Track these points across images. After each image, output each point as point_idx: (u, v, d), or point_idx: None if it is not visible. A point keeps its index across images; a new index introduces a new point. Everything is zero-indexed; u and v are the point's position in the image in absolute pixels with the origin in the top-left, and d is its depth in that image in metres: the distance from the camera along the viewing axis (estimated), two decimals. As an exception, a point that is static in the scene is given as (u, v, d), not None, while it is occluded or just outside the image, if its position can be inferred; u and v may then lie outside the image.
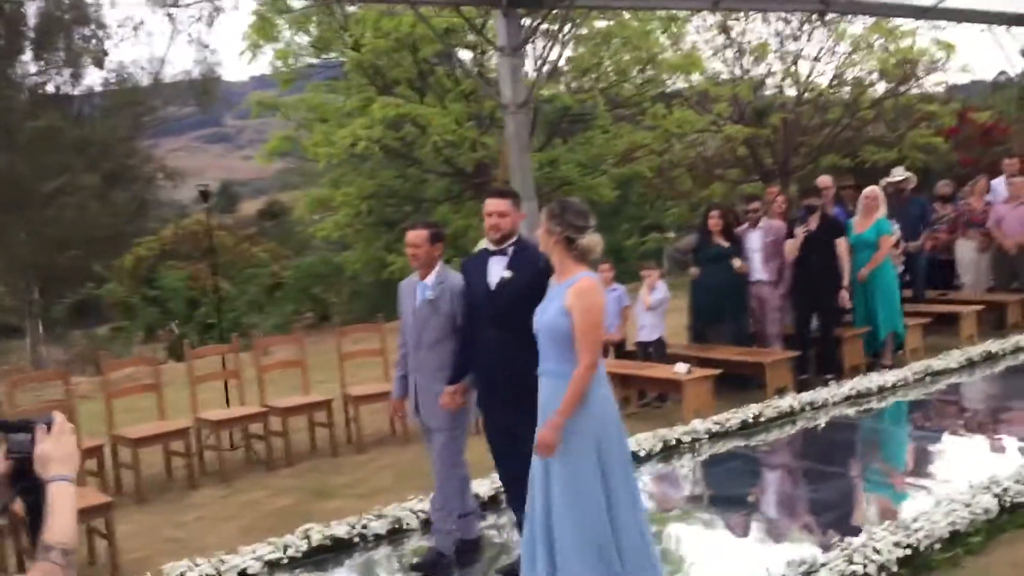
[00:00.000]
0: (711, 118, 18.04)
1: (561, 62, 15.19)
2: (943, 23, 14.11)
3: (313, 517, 5.87)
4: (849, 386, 7.89)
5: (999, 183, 11.27)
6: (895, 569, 4.41)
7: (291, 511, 6.35)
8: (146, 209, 31.56)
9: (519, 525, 4.45)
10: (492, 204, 4.50)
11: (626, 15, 16.13)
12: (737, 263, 8.57)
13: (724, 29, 19.82)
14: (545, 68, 11.26)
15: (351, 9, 15.55)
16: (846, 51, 19.84)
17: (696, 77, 18.97)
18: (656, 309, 8.47)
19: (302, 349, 8.10)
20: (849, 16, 15.33)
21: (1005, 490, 5.11)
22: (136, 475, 6.79)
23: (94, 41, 27.47)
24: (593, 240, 3.92)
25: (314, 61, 17.17)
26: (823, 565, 4.36)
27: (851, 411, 7.57)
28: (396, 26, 14.40)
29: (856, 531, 4.97)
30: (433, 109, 14.75)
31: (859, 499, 5.93)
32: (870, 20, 18.00)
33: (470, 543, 5.28)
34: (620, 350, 8.81)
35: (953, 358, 8.63)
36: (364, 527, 5.49)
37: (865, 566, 4.37)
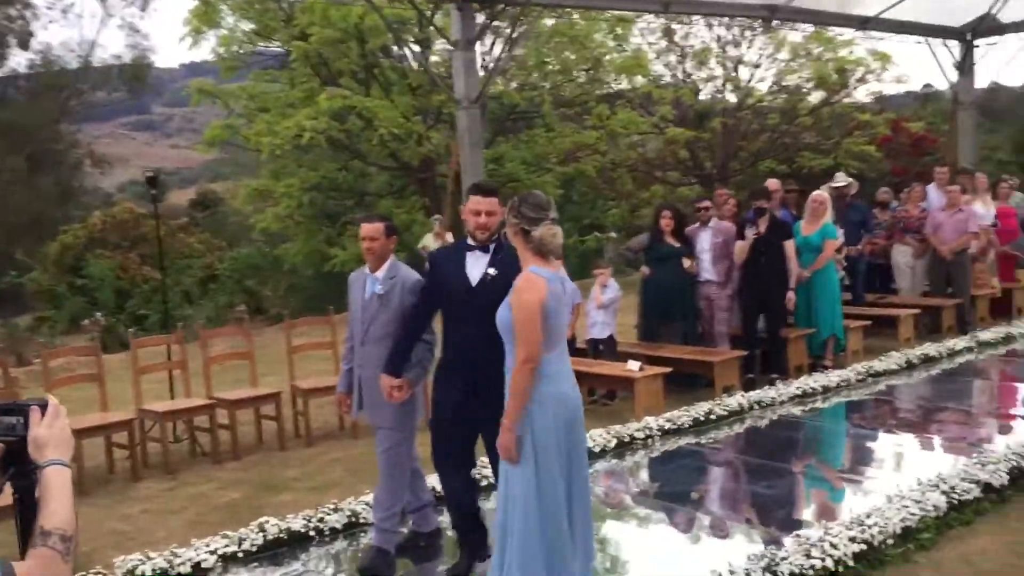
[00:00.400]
0: (655, 120, 18.23)
1: (509, 60, 15.19)
2: (881, 34, 14.43)
3: (265, 510, 5.77)
4: (796, 386, 8.04)
5: (932, 190, 11.61)
6: (851, 563, 4.50)
7: (241, 504, 6.24)
8: (71, 196, 30.74)
9: None
10: (481, 203, 4.36)
11: (575, 15, 16.20)
12: (687, 263, 8.66)
13: (668, 33, 20.08)
14: (497, 64, 11.23)
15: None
16: (785, 59, 20.26)
17: (639, 80, 19.19)
18: (608, 307, 8.51)
19: (249, 341, 7.95)
20: (790, 24, 15.59)
21: (952, 488, 5.25)
22: (78, 467, 6.59)
23: (20, 21, 26.66)
24: (547, 232, 3.83)
25: (258, 49, 16.85)
26: (783, 559, 4.42)
27: (797, 410, 7.71)
28: (344, 16, 14.23)
29: (810, 526, 5.09)
30: (380, 102, 14.61)
31: (811, 495, 6.04)
32: (809, 29, 18.40)
33: (428, 535, 5.25)
34: (571, 347, 8.81)
35: (893, 360, 8.85)
36: (320, 520, 5.41)
37: (823, 560, 4.46)
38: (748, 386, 8.33)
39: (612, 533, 5.34)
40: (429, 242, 13.54)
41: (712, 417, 7.34)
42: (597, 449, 6.51)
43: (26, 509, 2.03)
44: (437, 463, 4.64)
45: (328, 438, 7.81)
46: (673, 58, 20.59)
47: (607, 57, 17.32)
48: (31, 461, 2.02)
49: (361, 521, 5.48)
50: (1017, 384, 8.66)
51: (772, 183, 9.61)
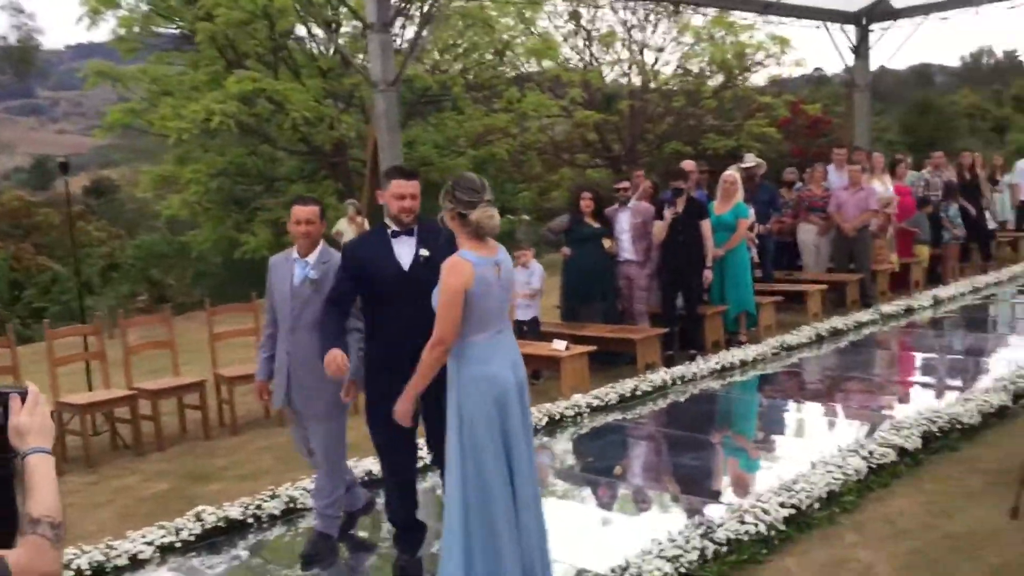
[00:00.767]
0: (564, 103, 18.39)
1: (425, 42, 15.10)
2: (781, 19, 14.85)
3: (196, 500, 5.70)
4: (715, 360, 8.30)
5: (833, 170, 12.05)
6: (782, 527, 4.70)
7: (170, 495, 6.14)
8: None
9: None
10: (406, 186, 4.33)
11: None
12: (607, 243, 8.82)
13: (575, 16, 20.26)
14: (414, 47, 11.16)
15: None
16: (689, 42, 20.65)
17: (547, 63, 19.32)
18: (531, 288, 8.60)
19: (170, 330, 7.79)
20: (695, 8, 15.92)
21: (871, 452, 5.52)
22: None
23: None
24: (483, 215, 3.84)
25: (162, 30, 16.32)
26: (719, 526, 4.59)
27: (717, 384, 7.97)
28: (251, -4, 13.93)
29: (740, 494, 5.28)
30: (291, 85, 14.36)
31: (738, 465, 6.26)
32: (711, 14, 18.82)
33: (363, 510, 5.30)
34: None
35: (804, 334, 9.21)
36: (258, 508, 5.37)
37: (756, 525, 4.64)
38: (668, 362, 8.55)
39: (552, 509, 5.43)
40: (343, 227, 13.43)
41: (638, 393, 7.53)
42: (528, 428, 6.60)
43: (4, 498, 2.00)
44: (383, 456, 4.62)
45: (254, 426, 7.72)
46: (580, 41, 20.80)
47: (517, 40, 17.36)
48: (12, 449, 1.99)
49: (299, 507, 5.47)
50: (919, 353, 9.09)
51: (688, 164, 9.85)
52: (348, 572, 4.99)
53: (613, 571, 4.22)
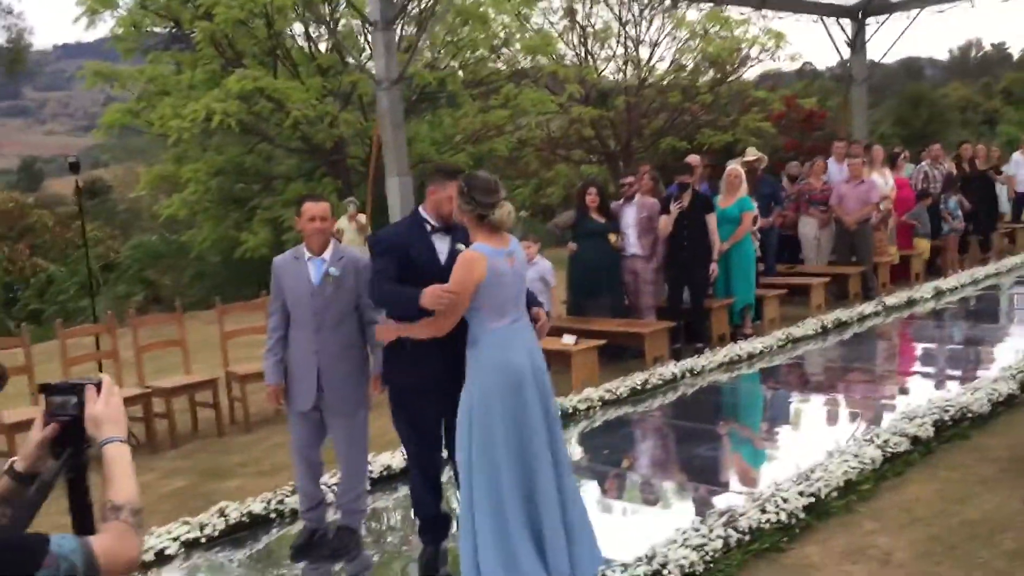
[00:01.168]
0: (562, 99, 18.41)
1: (426, 39, 15.13)
2: (778, 13, 14.94)
3: (214, 497, 5.74)
4: (723, 353, 8.36)
5: (833, 164, 12.14)
6: (802, 516, 4.76)
7: (187, 492, 6.17)
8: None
9: None
10: (453, 187, 4.27)
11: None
12: (613, 238, 8.87)
13: (570, 13, 20.29)
14: (416, 44, 11.20)
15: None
16: (684, 37, 20.70)
17: (542, 59, 19.33)
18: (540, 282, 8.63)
19: (181, 329, 7.81)
20: (694, 4, 15.99)
21: (886, 442, 5.59)
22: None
23: None
24: (503, 212, 3.99)
25: (157, 30, 16.30)
26: (742, 515, 4.65)
27: (725, 377, 8.03)
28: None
29: (757, 484, 5.34)
30: (291, 83, 14.36)
31: (753, 455, 6.33)
32: (708, 8, 18.88)
33: (325, 533, 5.24)
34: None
35: (809, 326, 9.28)
36: (280, 503, 5.41)
37: (777, 514, 4.70)
38: (675, 356, 8.60)
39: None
40: (343, 224, 13.45)
41: (648, 386, 7.58)
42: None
43: (78, 487, 2.04)
44: (409, 448, 4.66)
45: (266, 424, 7.73)
46: (575, 38, 20.83)
47: (516, 36, 17.39)
48: (87, 439, 2.03)
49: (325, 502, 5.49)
50: (925, 344, 9.17)
51: (693, 159, 9.89)
52: (363, 569, 5.02)
53: (639, 560, 4.27)
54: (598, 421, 7.00)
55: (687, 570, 4.18)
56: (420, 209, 4.48)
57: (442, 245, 4.39)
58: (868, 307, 10.13)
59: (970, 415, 6.13)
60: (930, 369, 8.22)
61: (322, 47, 16.62)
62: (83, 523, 2.04)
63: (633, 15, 20.75)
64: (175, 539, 4.95)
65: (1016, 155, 15.53)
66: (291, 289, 4.81)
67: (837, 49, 15.68)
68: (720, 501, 5.13)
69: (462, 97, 17.03)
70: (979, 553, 4.39)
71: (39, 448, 2.05)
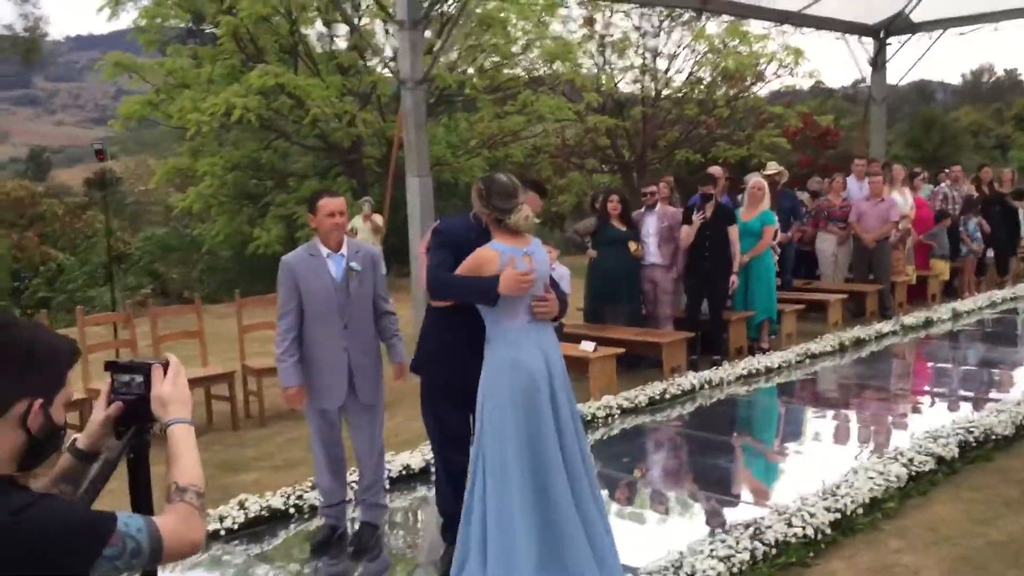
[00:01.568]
0: (580, 107, 18.41)
1: (452, 41, 15.12)
2: (801, 30, 14.91)
3: (231, 490, 5.70)
4: (741, 366, 8.31)
5: (852, 181, 12.11)
6: (827, 531, 4.72)
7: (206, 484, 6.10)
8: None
9: None
10: (537, 203, 4.43)
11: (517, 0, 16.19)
12: (633, 246, 8.84)
13: (588, 22, 20.29)
14: (444, 45, 11.18)
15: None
16: (703, 50, 20.69)
17: (558, 66, 19.32)
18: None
19: (199, 321, 7.78)
20: (714, 17, 15.99)
21: (911, 460, 5.54)
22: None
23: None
24: (519, 217, 4.05)
25: (180, 23, 16.33)
26: (768, 527, 4.60)
27: (743, 389, 7.98)
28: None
29: (784, 496, 5.30)
30: (312, 81, 14.36)
31: (774, 468, 6.28)
32: (728, 22, 18.86)
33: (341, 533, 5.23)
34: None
35: (827, 342, 9.23)
36: (299, 498, 5.37)
37: (804, 528, 4.66)
38: (691, 367, 8.56)
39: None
40: (357, 224, 13.45)
41: (666, 396, 7.54)
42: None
43: (139, 466, 2.02)
44: (437, 447, 4.65)
45: (280, 418, 7.70)
46: (593, 47, 20.83)
47: (536, 43, 17.39)
48: (152, 419, 2.00)
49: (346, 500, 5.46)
50: (945, 364, 9.10)
51: (716, 170, 9.85)
52: (383, 569, 4.98)
53: (665, 569, 4.23)
54: (616, 429, 6.96)
55: (714, 581, 4.14)
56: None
57: None
58: (886, 326, 10.08)
59: (994, 437, 6.08)
60: (947, 390, 8.16)
61: (341, 45, 16.63)
62: (142, 502, 2.02)
63: (652, 26, 20.77)
64: (194, 530, 4.90)
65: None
66: (311, 287, 4.70)
67: (858, 67, 15.65)
68: (743, 513, 5.07)
69: (481, 101, 17.00)
70: (1007, 574, 4.35)
71: (102, 426, 2.02)
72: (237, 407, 7.53)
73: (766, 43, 19.94)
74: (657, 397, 7.48)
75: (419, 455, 5.95)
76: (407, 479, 5.84)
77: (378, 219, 13.65)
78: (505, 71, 17.78)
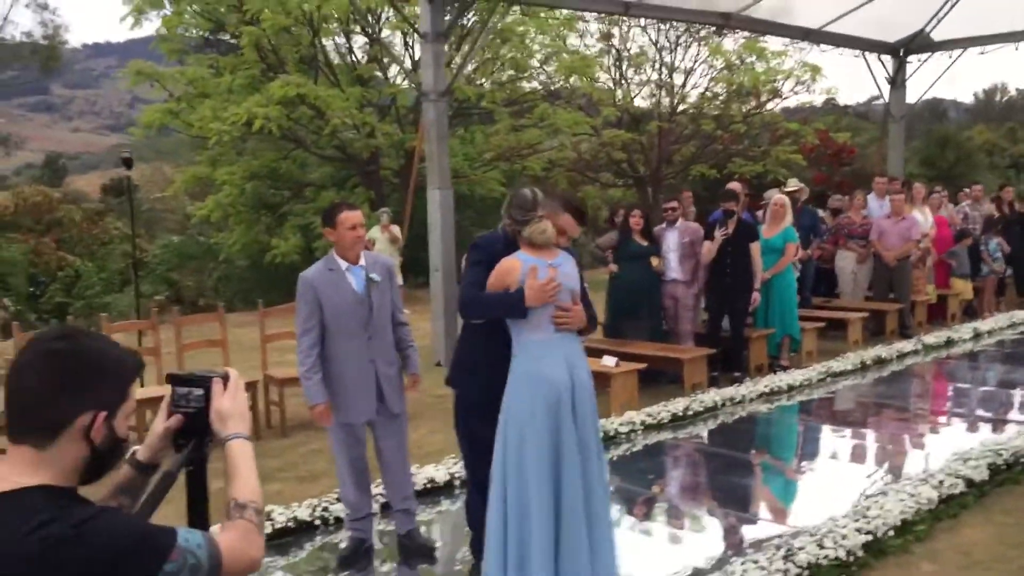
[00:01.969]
0: (597, 122, 18.42)
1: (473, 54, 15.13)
2: (820, 46, 14.88)
3: (255, 500, 5.65)
4: (763, 384, 8.27)
5: (872, 199, 12.06)
6: (860, 554, 4.67)
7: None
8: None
9: None
10: (577, 229, 4.29)
11: (538, 14, 16.21)
12: (655, 262, 8.82)
13: (606, 37, 20.32)
14: (466, 58, 11.20)
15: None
16: (720, 66, 20.69)
17: (574, 80, 19.36)
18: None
19: (223, 329, 7.78)
20: (735, 32, 15.98)
21: (941, 482, 5.49)
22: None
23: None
24: (535, 230, 4.06)
25: (201, 32, 16.41)
26: (800, 549, 4.56)
27: (764, 407, 7.94)
28: (300, 3, 13.97)
29: (812, 517, 5.25)
30: (332, 92, 14.40)
31: (799, 487, 6.23)
32: (742, 40, 18.87)
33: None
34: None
35: (849, 361, 9.18)
36: (325, 510, 5.35)
37: (836, 550, 4.61)
38: (711, 383, 8.52)
39: (625, 524, 5.42)
40: (375, 234, 13.48)
41: (688, 413, 7.51)
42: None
43: (197, 480, 2.00)
44: (468, 459, 4.63)
45: (302, 429, 7.68)
46: (610, 61, 20.86)
47: (554, 57, 17.43)
48: (211, 433, 1.99)
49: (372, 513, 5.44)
50: (967, 385, 9.01)
51: (735, 186, 9.83)
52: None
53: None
54: (639, 445, 6.92)
55: (748, 601, 4.10)
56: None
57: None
58: (907, 345, 10.02)
59: (1023, 460, 6.03)
60: (968, 411, 8.09)
61: (361, 58, 16.68)
62: (199, 517, 2.00)
63: (669, 42, 20.78)
64: (221, 541, 4.88)
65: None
66: (332, 301, 4.66)
67: (877, 85, 15.63)
68: (763, 531, 5.05)
69: (498, 114, 17.02)
70: (1043, 600, 4.31)
71: (161, 439, 2.01)
72: (259, 417, 7.51)
73: (783, 59, 19.98)
74: (680, 414, 7.44)
75: (443, 469, 5.93)
76: (432, 492, 5.81)
77: (396, 230, 13.69)
78: (523, 84, 17.80)
